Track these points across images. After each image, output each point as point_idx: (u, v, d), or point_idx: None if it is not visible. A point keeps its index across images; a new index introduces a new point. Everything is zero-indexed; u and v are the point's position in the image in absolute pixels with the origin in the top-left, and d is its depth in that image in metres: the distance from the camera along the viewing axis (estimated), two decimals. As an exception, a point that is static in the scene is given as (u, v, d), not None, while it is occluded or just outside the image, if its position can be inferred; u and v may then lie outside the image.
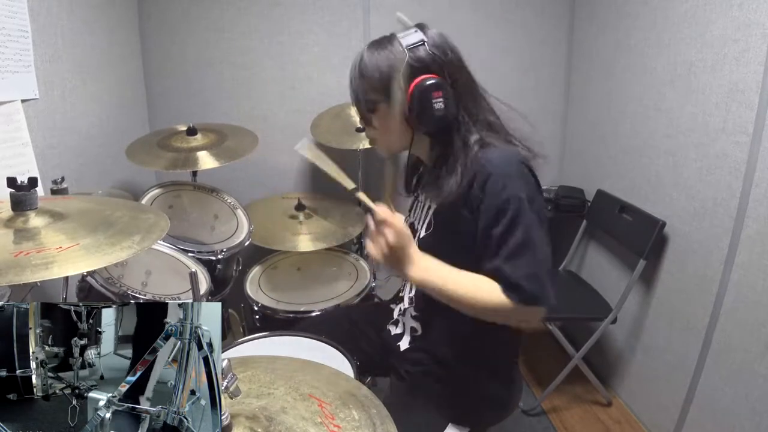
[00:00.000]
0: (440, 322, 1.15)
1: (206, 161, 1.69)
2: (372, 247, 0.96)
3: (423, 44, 0.98)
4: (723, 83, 1.49)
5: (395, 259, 0.95)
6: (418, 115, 0.98)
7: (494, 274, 0.94)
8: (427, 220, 1.10)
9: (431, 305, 1.16)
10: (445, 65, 0.99)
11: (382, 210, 0.94)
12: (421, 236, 1.11)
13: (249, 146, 1.83)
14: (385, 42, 1.02)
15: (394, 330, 1.27)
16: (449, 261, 1.06)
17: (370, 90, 1.03)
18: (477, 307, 0.95)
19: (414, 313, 1.21)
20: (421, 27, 1.01)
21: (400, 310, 1.27)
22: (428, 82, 0.97)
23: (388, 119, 1.04)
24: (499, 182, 0.94)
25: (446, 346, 1.13)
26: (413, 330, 1.21)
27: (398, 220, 0.94)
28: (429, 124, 1.00)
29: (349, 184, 1.11)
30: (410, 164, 1.22)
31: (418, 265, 0.96)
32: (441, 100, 0.97)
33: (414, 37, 0.99)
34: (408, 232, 0.96)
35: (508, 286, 0.92)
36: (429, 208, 1.11)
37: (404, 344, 1.22)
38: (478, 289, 0.94)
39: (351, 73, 1.06)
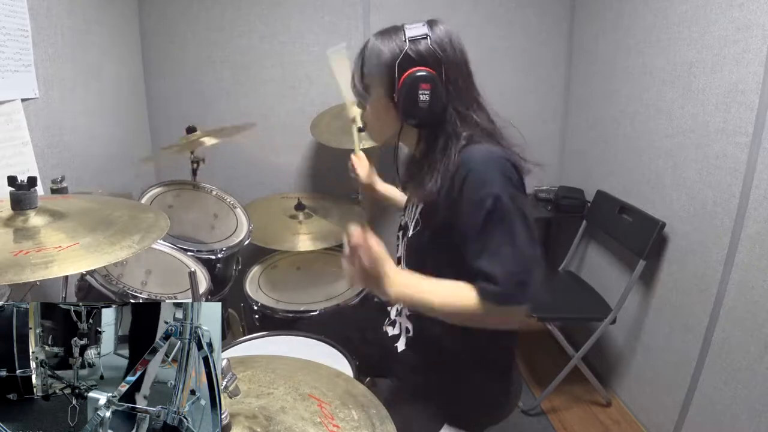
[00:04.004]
0: (433, 321, 1.15)
1: (207, 141, 1.72)
2: (348, 269, 0.94)
3: (425, 38, 0.99)
4: (723, 84, 1.49)
5: (372, 280, 0.93)
6: (404, 105, 1.00)
7: (471, 276, 0.93)
8: (414, 219, 1.10)
9: None
10: (443, 62, 0.99)
11: (357, 233, 0.92)
12: (409, 235, 1.11)
13: (248, 135, 1.85)
14: (392, 31, 1.03)
15: (391, 331, 1.27)
16: (434, 260, 1.06)
17: (367, 73, 1.06)
18: (457, 314, 0.94)
19: (408, 313, 1.21)
20: (431, 22, 1.03)
21: (396, 310, 1.27)
22: (417, 74, 0.98)
23: (380, 105, 1.06)
24: (478, 181, 0.93)
25: (440, 344, 1.13)
26: (407, 330, 1.21)
27: (373, 243, 0.91)
28: (413, 116, 1.02)
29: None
30: (398, 154, 1.22)
31: (395, 282, 0.94)
32: (427, 92, 0.98)
33: (419, 30, 1.00)
34: (383, 253, 0.93)
35: (482, 289, 0.90)
36: (417, 206, 1.11)
37: (401, 345, 1.22)
38: (456, 295, 0.93)
39: (357, 56, 1.09)
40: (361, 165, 1.56)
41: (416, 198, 1.10)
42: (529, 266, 0.90)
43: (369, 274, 0.92)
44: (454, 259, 1.02)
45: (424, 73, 0.98)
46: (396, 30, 1.03)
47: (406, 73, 0.99)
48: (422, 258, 1.11)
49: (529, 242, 0.91)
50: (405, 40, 1.00)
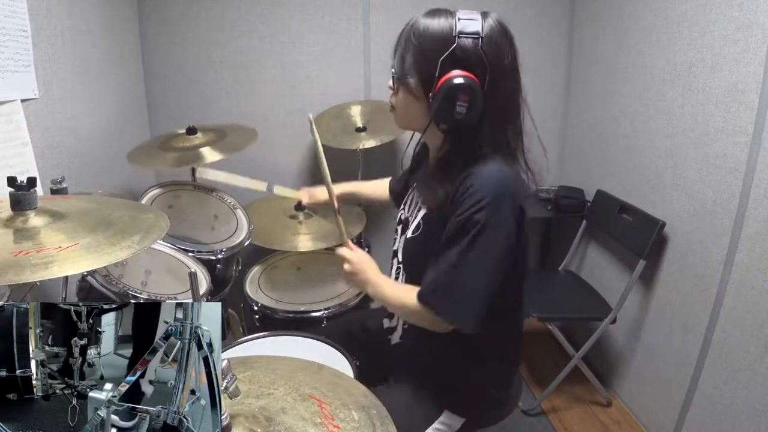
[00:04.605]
0: None
1: (209, 155, 1.69)
2: (344, 275, 1.15)
3: (477, 38, 0.91)
4: (723, 83, 1.49)
5: (357, 281, 1.13)
6: (438, 109, 0.94)
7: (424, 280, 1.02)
8: (416, 222, 1.09)
9: None
10: (490, 68, 0.92)
11: (341, 250, 1.15)
12: (408, 236, 1.10)
13: (249, 139, 1.83)
14: (443, 17, 0.94)
15: (387, 323, 1.28)
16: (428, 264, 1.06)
17: (406, 59, 0.98)
18: (400, 309, 1.10)
19: None
20: (484, 15, 0.94)
21: None
22: (458, 81, 0.90)
23: (412, 96, 1.00)
24: (473, 199, 0.92)
25: (432, 339, 1.13)
26: (404, 323, 1.21)
27: (350, 253, 1.14)
28: (446, 122, 0.96)
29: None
30: (418, 149, 1.21)
31: (372, 285, 1.11)
32: (465, 105, 0.91)
33: (472, 25, 0.92)
34: (361, 261, 1.13)
35: (421, 294, 1.00)
36: (420, 209, 1.09)
37: (395, 338, 1.23)
38: (404, 294, 1.06)
39: (401, 34, 1.01)
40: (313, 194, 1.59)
41: (424, 203, 1.08)
42: (464, 290, 0.95)
43: (352, 276, 1.13)
44: None
45: (464, 82, 0.90)
46: (446, 16, 0.94)
47: (447, 76, 0.91)
48: (418, 262, 1.10)
49: (488, 274, 0.95)
50: (455, 35, 0.91)
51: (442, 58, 0.92)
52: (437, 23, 0.94)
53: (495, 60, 0.93)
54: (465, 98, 0.91)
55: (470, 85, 0.91)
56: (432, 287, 0.98)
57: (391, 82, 1.05)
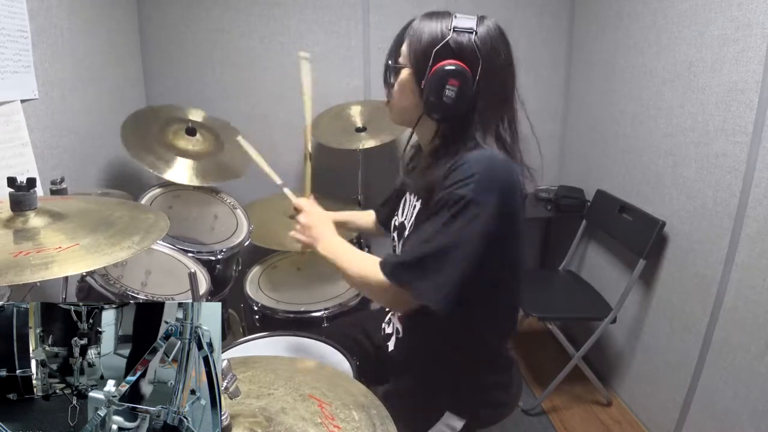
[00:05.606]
0: (422, 321, 1.13)
1: (193, 179, 1.66)
2: (294, 232, 1.17)
3: (471, 32, 0.94)
4: (722, 83, 1.49)
5: (308, 237, 1.15)
6: (428, 96, 0.96)
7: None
8: (412, 220, 1.08)
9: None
10: (482, 61, 0.94)
11: (299, 200, 1.19)
12: (405, 236, 1.10)
13: (240, 167, 1.82)
14: (439, 16, 0.98)
15: (387, 329, 1.27)
16: None
17: (403, 52, 1.02)
18: (359, 279, 1.03)
19: (399, 314, 1.21)
20: (481, 18, 0.98)
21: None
22: (449, 67, 0.93)
23: (407, 88, 1.02)
24: (460, 175, 0.91)
25: (426, 345, 1.12)
26: (398, 331, 1.21)
27: (310, 205, 1.19)
28: (434, 109, 0.97)
29: (276, 180, 1.37)
30: (410, 145, 1.20)
31: (325, 242, 1.12)
32: (454, 89, 0.93)
33: (467, 22, 0.95)
34: (318, 215, 1.18)
35: (385, 264, 0.97)
36: (415, 207, 1.09)
37: (391, 345, 1.22)
38: (362, 263, 1.03)
39: (400, 31, 1.05)
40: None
41: (417, 190, 1.07)
42: (437, 264, 0.90)
43: (305, 231, 1.16)
44: None
45: (454, 68, 0.93)
46: (443, 16, 0.98)
47: (439, 64, 0.94)
48: None
49: (462, 258, 0.89)
50: (450, 29, 0.95)
51: (436, 49, 0.95)
52: (435, 21, 0.98)
53: (488, 55, 0.95)
54: (454, 82, 0.93)
55: (460, 71, 0.93)
56: (401, 259, 0.94)
57: (385, 77, 1.08)
